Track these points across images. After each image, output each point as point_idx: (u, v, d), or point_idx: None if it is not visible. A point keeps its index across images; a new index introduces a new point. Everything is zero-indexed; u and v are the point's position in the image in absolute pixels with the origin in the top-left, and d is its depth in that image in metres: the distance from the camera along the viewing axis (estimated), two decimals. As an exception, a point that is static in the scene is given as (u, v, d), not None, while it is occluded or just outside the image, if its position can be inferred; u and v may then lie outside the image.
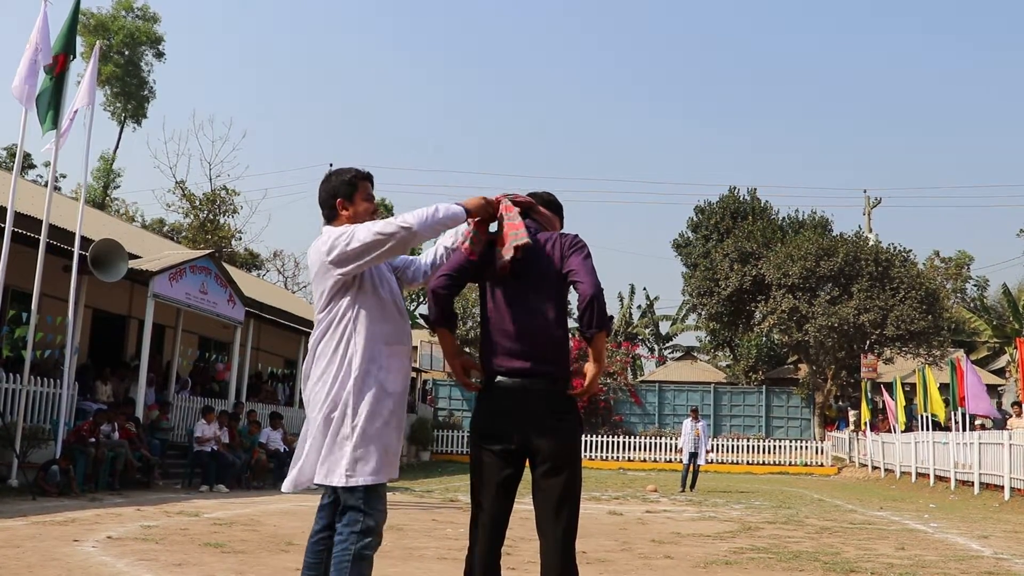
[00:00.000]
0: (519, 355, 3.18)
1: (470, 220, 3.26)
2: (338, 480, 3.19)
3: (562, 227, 3.48)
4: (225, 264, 20.17)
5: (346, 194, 3.40)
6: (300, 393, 3.31)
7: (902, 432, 23.63)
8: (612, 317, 3.47)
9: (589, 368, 3.22)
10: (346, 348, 3.25)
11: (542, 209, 3.42)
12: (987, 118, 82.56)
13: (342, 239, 3.21)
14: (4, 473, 10.98)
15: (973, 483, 16.95)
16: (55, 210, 12.40)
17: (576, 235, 3.30)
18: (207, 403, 17.03)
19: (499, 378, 3.21)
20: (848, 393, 32.61)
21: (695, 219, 42.70)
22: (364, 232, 3.18)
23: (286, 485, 3.41)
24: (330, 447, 3.22)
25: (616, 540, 8.20)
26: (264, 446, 15.68)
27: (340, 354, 3.25)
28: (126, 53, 44.59)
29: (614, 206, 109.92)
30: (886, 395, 25.90)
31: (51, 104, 11.40)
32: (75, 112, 12.07)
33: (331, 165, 42.06)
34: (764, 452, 30.07)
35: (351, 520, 3.19)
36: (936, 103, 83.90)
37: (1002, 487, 15.54)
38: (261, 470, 15.26)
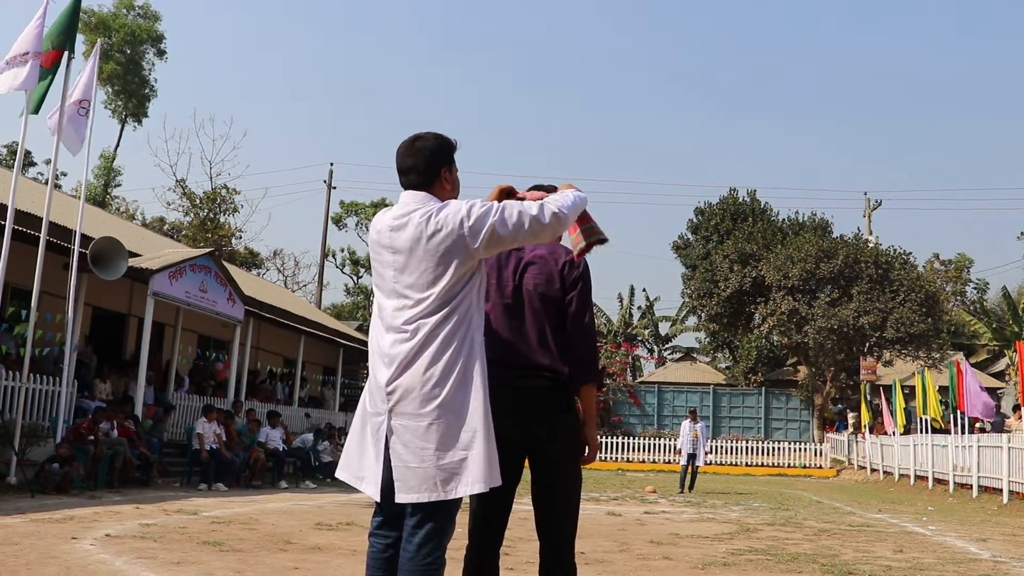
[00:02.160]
0: (519, 358, 3.18)
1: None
2: (466, 489, 2.82)
3: None
4: (225, 263, 20.17)
5: (448, 162, 3.05)
6: (382, 379, 2.88)
7: (901, 434, 23.64)
8: (604, 368, 3.46)
9: (585, 434, 3.22)
10: (472, 341, 2.89)
11: None
12: (988, 120, 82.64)
13: (492, 215, 2.85)
14: (3, 471, 10.98)
15: (972, 486, 16.95)
16: (55, 208, 12.40)
17: (585, 265, 3.26)
18: (206, 402, 17.05)
19: (498, 379, 3.20)
20: (847, 395, 32.63)
21: (695, 220, 42.74)
22: (520, 216, 2.86)
23: (368, 484, 2.96)
24: (451, 452, 2.82)
25: (615, 541, 8.20)
26: (263, 445, 15.68)
27: (467, 347, 2.87)
28: (127, 51, 44.59)
29: (614, 206, 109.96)
30: (883, 398, 25.93)
31: (43, 89, 11.40)
32: (79, 104, 12.07)
33: (331, 165, 41.90)
34: (763, 454, 30.08)
35: (442, 531, 2.86)
36: (937, 105, 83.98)
37: (1001, 490, 15.54)
38: (260, 469, 15.26)
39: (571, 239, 3.17)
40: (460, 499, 2.89)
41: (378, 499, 2.95)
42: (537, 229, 2.89)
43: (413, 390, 2.84)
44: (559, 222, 2.92)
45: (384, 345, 2.93)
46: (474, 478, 2.82)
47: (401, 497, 2.85)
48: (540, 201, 2.94)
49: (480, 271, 2.98)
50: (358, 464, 3.01)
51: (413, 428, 2.84)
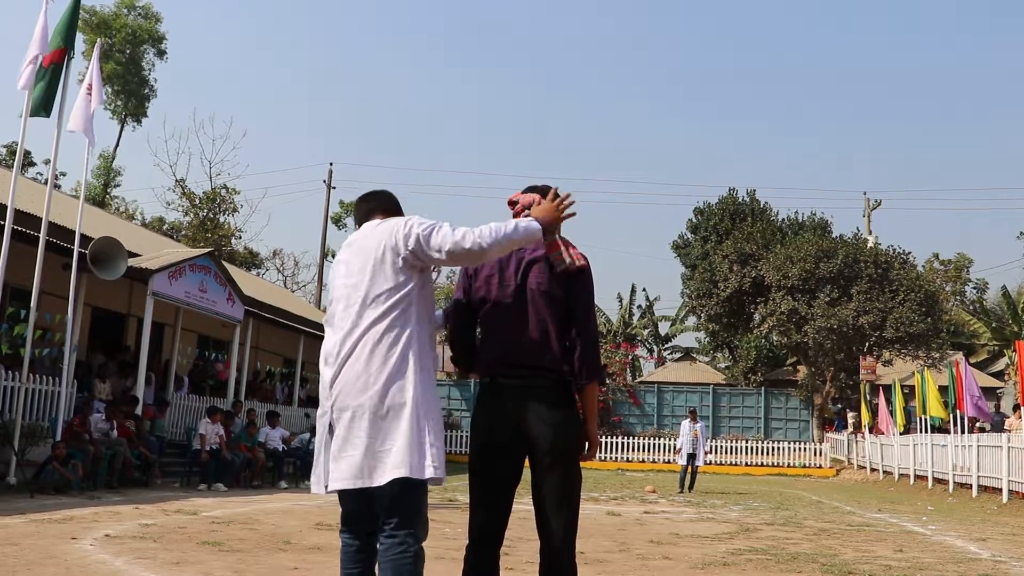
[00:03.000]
0: (520, 357, 3.19)
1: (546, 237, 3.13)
2: (389, 475, 2.96)
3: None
4: (224, 263, 20.18)
5: (398, 208, 3.42)
6: (327, 378, 3.12)
7: (900, 434, 23.63)
8: (605, 366, 3.49)
9: (587, 429, 3.26)
10: (411, 337, 3.06)
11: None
12: (987, 120, 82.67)
13: (424, 226, 3.09)
14: (2, 471, 10.98)
15: (971, 485, 16.95)
16: (55, 208, 12.40)
17: (586, 263, 3.26)
18: (206, 402, 17.04)
19: (499, 378, 3.21)
20: (847, 395, 32.61)
21: (694, 220, 42.74)
22: (444, 237, 3.05)
23: (321, 485, 3.14)
24: (381, 440, 2.99)
25: (614, 541, 8.21)
26: (263, 445, 15.68)
27: (404, 342, 3.04)
28: (127, 51, 44.58)
29: (614, 206, 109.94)
30: (881, 398, 25.91)
31: (46, 90, 11.45)
32: (92, 113, 12.24)
33: (331, 165, 41.92)
34: (763, 454, 30.06)
35: (410, 523, 3.00)
36: (936, 104, 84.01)
37: (1000, 490, 15.54)
38: (260, 469, 15.26)
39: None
40: (423, 491, 3.03)
41: (320, 492, 3.15)
42: (456, 252, 3.05)
43: (350, 382, 3.03)
44: (479, 252, 3.05)
45: (328, 346, 3.15)
46: (396, 463, 2.95)
47: (334, 485, 3.03)
48: (471, 229, 3.06)
49: (424, 273, 3.16)
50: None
51: (348, 417, 3.01)
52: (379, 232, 3.15)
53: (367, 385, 2.99)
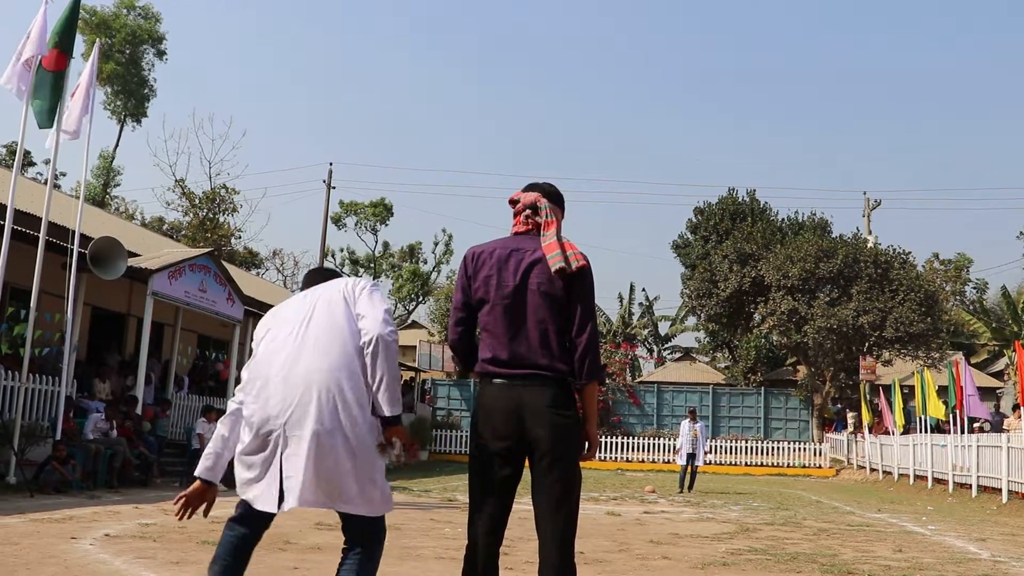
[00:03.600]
0: (519, 358, 3.19)
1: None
2: (385, 509, 3.24)
3: (563, 216, 3.46)
4: (224, 263, 20.17)
5: None
6: (274, 395, 3.26)
7: (900, 434, 23.63)
8: (605, 366, 3.51)
9: (586, 429, 3.28)
10: (360, 370, 3.18)
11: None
12: (987, 120, 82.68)
13: (375, 294, 3.29)
14: (2, 470, 10.98)
15: (971, 486, 16.95)
16: (54, 208, 12.41)
17: (587, 265, 3.25)
18: (205, 401, 17.04)
19: (499, 378, 3.21)
20: (847, 395, 32.60)
21: (694, 220, 42.73)
22: (381, 316, 3.19)
23: (272, 503, 3.31)
24: (379, 472, 3.19)
25: (614, 541, 8.20)
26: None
27: (360, 374, 3.15)
28: (127, 52, 44.58)
29: (614, 205, 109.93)
30: (882, 397, 25.90)
31: (50, 99, 11.44)
32: (90, 115, 12.24)
33: (331, 165, 41.83)
34: (762, 453, 30.07)
35: (378, 545, 3.21)
36: (936, 105, 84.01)
37: (1000, 490, 15.54)
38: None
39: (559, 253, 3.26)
40: (381, 518, 3.17)
41: (271, 509, 3.38)
42: (377, 338, 3.11)
43: (306, 404, 3.12)
44: (384, 354, 3.11)
45: (277, 362, 3.25)
46: (365, 498, 3.11)
47: (292, 503, 3.18)
48: (385, 347, 3.11)
49: None
50: None
51: (309, 439, 3.09)
52: (337, 281, 3.35)
53: (322, 413, 3.05)
